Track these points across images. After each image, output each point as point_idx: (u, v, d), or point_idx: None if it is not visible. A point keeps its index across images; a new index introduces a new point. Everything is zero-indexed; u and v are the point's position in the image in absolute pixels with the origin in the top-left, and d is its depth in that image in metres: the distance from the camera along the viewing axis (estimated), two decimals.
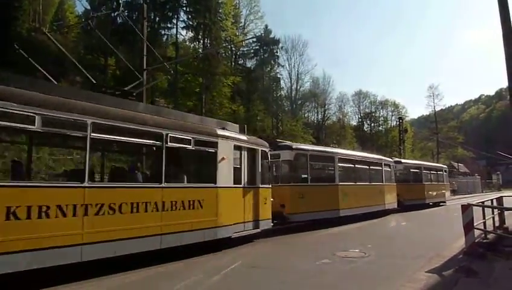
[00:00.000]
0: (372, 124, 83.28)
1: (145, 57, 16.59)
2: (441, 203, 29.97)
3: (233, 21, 48.52)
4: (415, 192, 25.51)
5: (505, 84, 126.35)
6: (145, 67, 16.70)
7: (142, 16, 19.66)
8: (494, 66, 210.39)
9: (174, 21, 44.05)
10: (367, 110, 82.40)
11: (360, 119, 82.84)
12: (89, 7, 43.76)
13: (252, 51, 55.08)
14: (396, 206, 23.21)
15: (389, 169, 23.18)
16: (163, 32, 44.30)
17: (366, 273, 7.73)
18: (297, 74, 63.12)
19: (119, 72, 41.30)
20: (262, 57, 54.61)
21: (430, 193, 27.78)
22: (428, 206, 27.01)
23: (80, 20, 46.30)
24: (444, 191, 30.85)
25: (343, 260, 8.82)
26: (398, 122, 66.19)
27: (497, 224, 12.86)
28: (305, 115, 66.78)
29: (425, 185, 27.02)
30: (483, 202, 12.45)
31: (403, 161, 27.36)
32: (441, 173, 31.49)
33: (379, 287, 6.71)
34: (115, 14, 42.50)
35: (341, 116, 74.62)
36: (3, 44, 33.33)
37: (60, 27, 46.87)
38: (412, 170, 26.51)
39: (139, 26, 39.34)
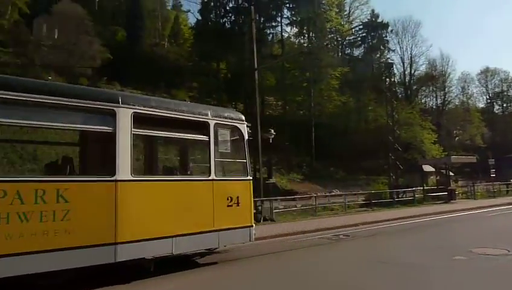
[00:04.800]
0: (504, 105, 73.17)
1: (255, 57, 16.93)
2: None
3: (337, 10, 47.30)
4: None
5: None
6: (255, 66, 17.02)
7: (250, 18, 20.16)
8: None
9: (279, 19, 44.73)
10: (497, 90, 72.68)
11: (488, 100, 73.48)
12: (200, 17, 46.82)
13: (358, 38, 52.99)
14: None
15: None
16: (268, 31, 45.38)
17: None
18: (411, 58, 58.73)
19: (230, 75, 43.49)
20: (370, 43, 52.12)
21: None
22: None
23: (193, 31, 49.96)
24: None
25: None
26: None
27: None
28: (422, 101, 61.80)
29: None
30: None
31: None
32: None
33: None
34: (223, 20, 44.85)
35: (465, 99, 67.26)
36: (131, 59, 37.88)
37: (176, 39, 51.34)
38: None
39: (244, 28, 41.13)
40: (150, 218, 6.47)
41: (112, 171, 6.09)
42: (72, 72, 32.81)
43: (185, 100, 41.18)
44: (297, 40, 48.03)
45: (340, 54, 51.58)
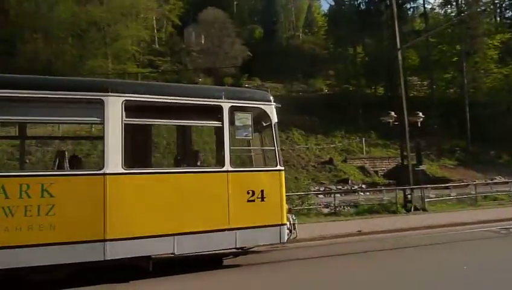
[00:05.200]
0: None
1: (397, 36, 15.81)
2: None
3: None
4: None
5: None
6: (398, 46, 15.88)
7: None
8: None
9: None
10: None
11: None
12: (333, 3, 46.05)
13: None
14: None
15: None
16: (408, 6, 41.89)
17: None
18: None
19: (368, 58, 41.71)
20: None
21: None
22: None
23: (327, 18, 49.49)
24: None
25: None
26: None
27: None
28: None
29: None
30: None
31: None
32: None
33: None
34: (358, 1, 43.22)
35: None
36: (269, 54, 39.58)
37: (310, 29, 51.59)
38: None
39: (381, 7, 38.74)
40: (146, 214, 5.94)
41: (101, 164, 5.85)
42: (218, 73, 36.02)
43: (322, 89, 40.88)
44: (443, 11, 43.10)
45: (498, 18, 44.39)
